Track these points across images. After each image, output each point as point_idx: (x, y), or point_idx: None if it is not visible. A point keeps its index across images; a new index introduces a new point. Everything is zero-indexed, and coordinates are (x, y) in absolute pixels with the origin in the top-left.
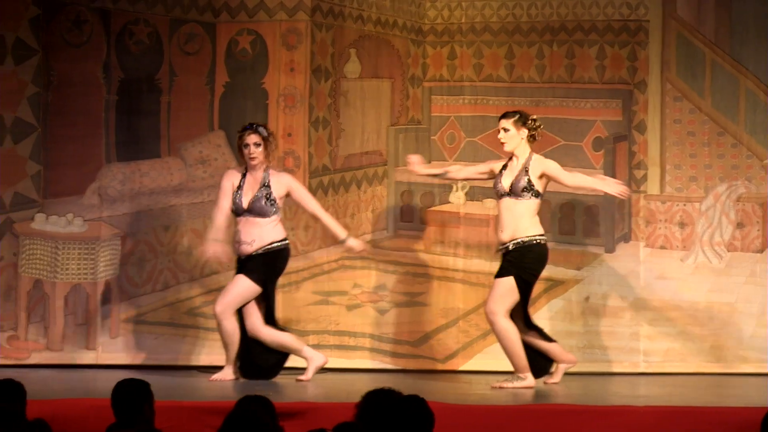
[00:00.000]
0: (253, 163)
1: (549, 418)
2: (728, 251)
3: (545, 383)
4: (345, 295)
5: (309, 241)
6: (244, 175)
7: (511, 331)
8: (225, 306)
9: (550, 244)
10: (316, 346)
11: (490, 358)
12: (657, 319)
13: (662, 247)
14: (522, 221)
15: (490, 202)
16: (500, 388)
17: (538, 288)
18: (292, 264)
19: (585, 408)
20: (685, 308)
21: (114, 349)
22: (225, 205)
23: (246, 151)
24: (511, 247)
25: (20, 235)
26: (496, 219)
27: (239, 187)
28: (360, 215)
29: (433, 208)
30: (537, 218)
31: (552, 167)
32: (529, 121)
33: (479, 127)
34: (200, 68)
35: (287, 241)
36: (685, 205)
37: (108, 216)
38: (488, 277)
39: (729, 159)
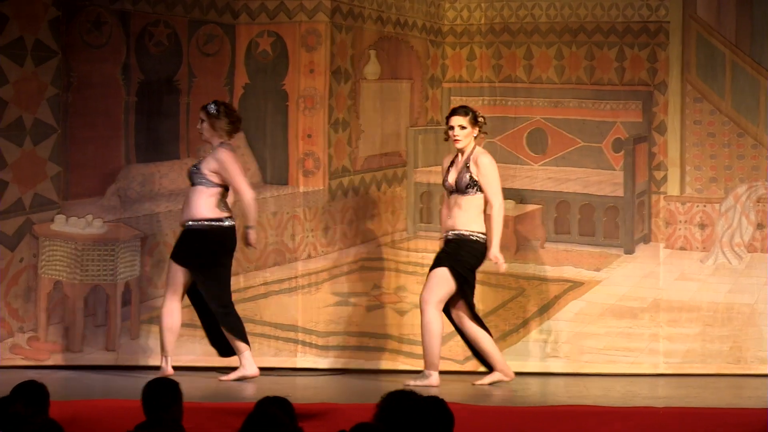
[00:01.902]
0: (202, 139)
1: (568, 419)
2: (748, 252)
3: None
4: (365, 296)
5: (328, 242)
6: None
7: (434, 324)
8: None
9: (569, 246)
10: (336, 348)
11: (509, 359)
12: (677, 320)
13: (682, 249)
14: (464, 215)
15: (508, 204)
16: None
17: (557, 289)
18: (311, 265)
19: (605, 409)
20: (705, 309)
21: (133, 351)
22: None
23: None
24: (449, 236)
25: (40, 237)
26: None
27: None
28: (380, 216)
29: None
30: (482, 215)
31: (482, 168)
32: (480, 118)
33: (498, 128)
34: (219, 69)
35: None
36: (705, 206)
37: (127, 217)
38: (507, 278)
39: (749, 160)
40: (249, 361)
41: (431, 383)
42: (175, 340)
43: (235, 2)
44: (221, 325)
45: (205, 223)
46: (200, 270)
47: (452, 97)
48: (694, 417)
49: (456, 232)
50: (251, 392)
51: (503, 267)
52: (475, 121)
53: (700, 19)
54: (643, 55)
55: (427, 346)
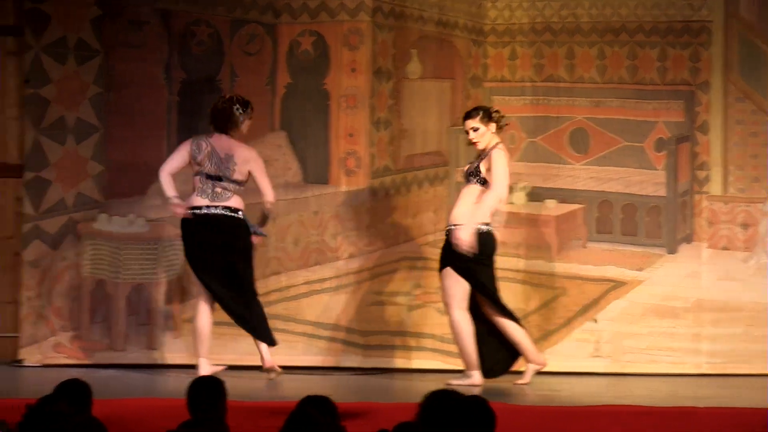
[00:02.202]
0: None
1: (611, 418)
2: None
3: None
4: (406, 296)
5: (370, 241)
6: None
7: (462, 324)
8: None
9: (611, 245)
10: (378, 347)
11: (552, 358)
12: (719, 320)
13: (724, 248)
14: (460, 207)
15: (551, 203)
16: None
17: (600, 289)
18: (354, 264)
19: (648, 409)
20: (748, 309)
21: (176, 349)
22: None
23: None
24: (448, 229)
25: (83, 236)
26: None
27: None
28: (421, 216)
29: None
30: (480, 205)
31: (492, 160)
32: (493, 113)
33: (540, 127)
34: (261, 69)
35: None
36: (747, 206)
37: (169, 216)
38: (549, 278)
39: None
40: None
41: (473, 382)
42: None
43: (277, 1)
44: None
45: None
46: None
47: (493, 97)
48: (738, 417)
49: (449, 226)
50: (293, 391)
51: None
52: (488, 118)
53: (742, 18)
54: (686, 55)
55: (461, 347)
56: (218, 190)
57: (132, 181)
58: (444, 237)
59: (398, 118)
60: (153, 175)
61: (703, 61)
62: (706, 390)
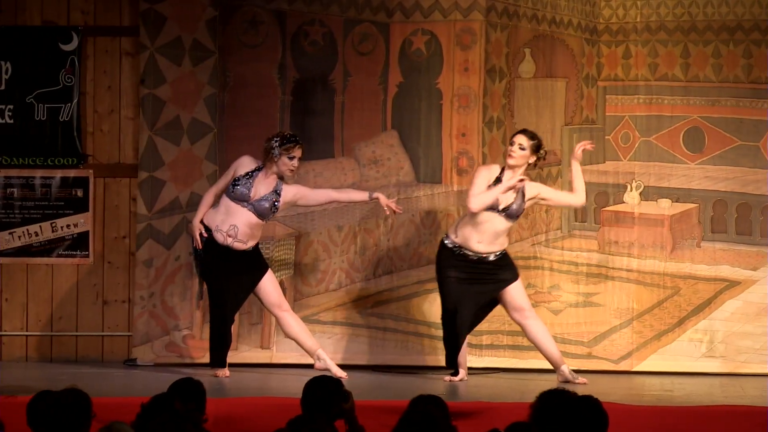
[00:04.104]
0: (291, 174)
1: (724, 419)
2: None
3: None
4: None
5: None
6: (258, 169)
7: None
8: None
9: (726, 245)
10: (490, 347)
11: (664, 359)
12: None
13: None
14: (501, 239)
15: (664, 202)
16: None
17: (713, 288)
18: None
19: (762, 409)
20: None
21: (288, 349)
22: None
23: (291, 164)
24: (491, 258)
25: None
26: (468, 223)
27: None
28: (534, 215)
29: (607, 208)
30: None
31: (545, 190)
32: (541, 151)
33: (654, 126)
34: (374, 68)
35: None
36: None
37: (282, 216)
38: (662, 277)
39: None
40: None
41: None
42: None
43: (389, 1)
44: None
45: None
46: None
47: (607, 96)
48: None
49: (496, 253)
50: (404, 391)
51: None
52: (536, 150)
53: None
54: None
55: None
56: None
57: None
58: (479, 257)
59: (511, 118)
60: None
61: None
62: None
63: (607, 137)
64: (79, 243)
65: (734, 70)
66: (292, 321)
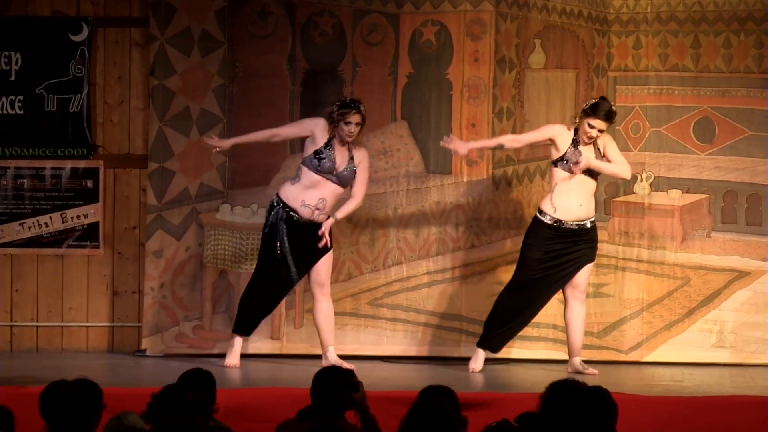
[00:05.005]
0: (350, 140)
1: (734, 409)
2: None
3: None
4: None
5: (492, 232)
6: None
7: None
8: None
9: (736, 235)
10: None
11: (674, 349)
12: None
13: None
14: (593, 201)
15: (675, 193)
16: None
17: (723, 279)
18: (475, 255)
19: None
20: None
21: (298, 339)
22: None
23: (348, 129)
24: (588, 225)
25: (205, 226)
26: (564, 191)
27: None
28: None
29: (617, 199)
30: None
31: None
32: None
33: (664, 117)
34: (383, 59)
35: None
36: None
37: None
38: (672, 268)
39: None
40: None
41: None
42: None
43: None
44: None
45: None
46: None
47: (618, 86)
48: None
49: (591, 219)
50: (414, 381)
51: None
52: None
53: None
54: None
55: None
56: None
57: (255, 171)
58: (580, 225)
59: (521, 109)
60: (276, 166)
61: None
62: None
63: (617, 128)
64: (89, 234)
65: (745, 61)
66: (325, 308)
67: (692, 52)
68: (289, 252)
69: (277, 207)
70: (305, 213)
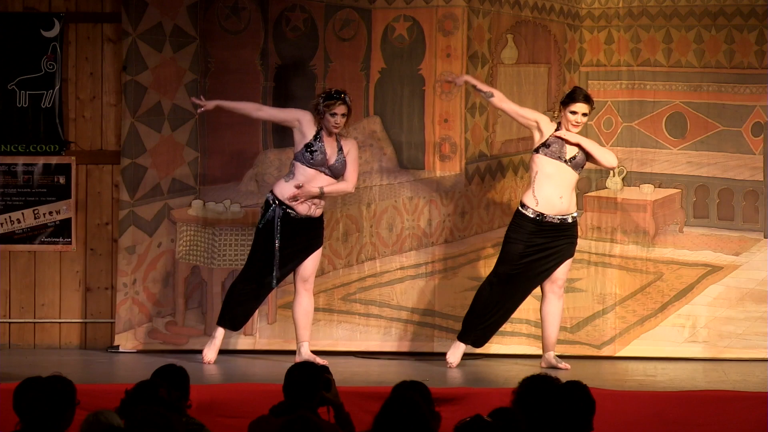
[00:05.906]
0: (336, 131)
1: (707, 404)
2: None
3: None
4: None
5: (465, 227)
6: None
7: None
8: None
9: (708, 230)
10: None
11: (647, 344)
12: None
13: None
14: (574, 195)
15: (647, 188)
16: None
17: (696, 273)
18: (449, 250)
19: (744, 394)
20: None
21: (271, 335)
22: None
23: (333, 120)
24: (570, 220)
25: (177, 222)
26: (544, 181)
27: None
28: (516, 201)
29: (589, 194)
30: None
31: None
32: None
33: (636, 111)
34: (355, 54)
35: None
36: None
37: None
38: (645, 263)
39: None
40: None
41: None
42: None
43: None
44: None
45: None
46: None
47: (590, 81)
48: None
49: (573, 214)
50: (387, 377)
51: None
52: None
53: None
54: None
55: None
56: None
57: (227, 167)
58: (561, 219)
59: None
60: (248, 162)
61: None
62: None
63: (589, 123)
64: (61, 230)
65: (716, 56)
66: (306, 303)
67: (664, 47)
68: (278, 252)
69: (274, 205)
70: (302, 209)
